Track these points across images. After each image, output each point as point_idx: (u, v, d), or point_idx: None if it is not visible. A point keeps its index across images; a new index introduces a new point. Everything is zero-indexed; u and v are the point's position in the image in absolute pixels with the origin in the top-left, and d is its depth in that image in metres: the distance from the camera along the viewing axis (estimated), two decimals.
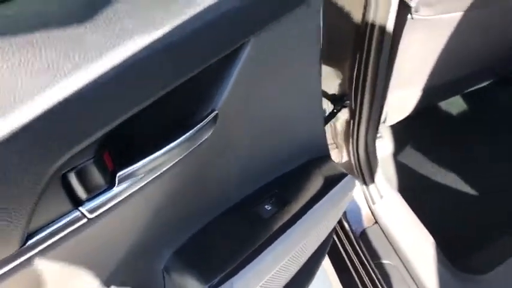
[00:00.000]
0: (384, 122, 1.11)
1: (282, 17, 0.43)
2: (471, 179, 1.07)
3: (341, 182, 0.63)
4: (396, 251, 0.92)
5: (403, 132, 1.20)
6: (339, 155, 1.02)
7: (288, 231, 0.55)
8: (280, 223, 0.55)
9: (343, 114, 0.90)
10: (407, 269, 0.89)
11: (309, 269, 0.80)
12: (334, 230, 0.98)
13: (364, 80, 0.77)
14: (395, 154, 1.18)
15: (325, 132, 0.65)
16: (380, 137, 1.21)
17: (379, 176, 0.97)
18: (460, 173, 1.09)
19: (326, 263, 0.99)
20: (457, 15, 0.81)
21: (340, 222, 0.97)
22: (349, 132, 0.90)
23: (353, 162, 0.95)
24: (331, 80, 0.82)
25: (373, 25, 0.69)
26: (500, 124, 1.18)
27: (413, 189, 1.09)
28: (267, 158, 0.56)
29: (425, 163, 1.14)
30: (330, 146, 1.03)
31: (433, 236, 0.91)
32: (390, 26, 0.70)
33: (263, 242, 0.54)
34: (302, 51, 0.50)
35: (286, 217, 0.56)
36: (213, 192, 0.53)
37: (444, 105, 1.24)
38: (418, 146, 1.18)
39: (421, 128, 1.22)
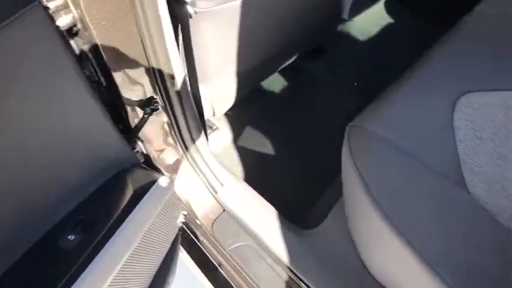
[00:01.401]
0: (213, 115, 1.14)
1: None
2: (299, 153, 1.18)
3: (153, 187, 0.63)
4: (247, 231, 0.97)
5: (237, 119, 1.27)
6: (177, 154, 1.03)
7: (101, 252, 0.53)
8: (88, 249, 0.53)
9: (162, 117, 0.90)
10: (258, 244, 0.94)
11: (166, 268, 0.79)
12: (183, 227, 0.98)
13: (163, 81, 0.77)
14: (234, 141, 1.23)
15: (125, 142, 0.64)
16: (216, 129, 1.26)
17: (214, 165, 1.00)
18: (290, 148, 1.20)
19: (188, 262, 1.00)
20: (238, 3, 0.87)
21: (190, 218, 0.98)
22: (172, 132, 0.90)
23: (186, 158, 0.96)
24: (134, 87, 0.81)
25: (148, 25, 0.69)
26: (314, 93, 1.32)
27: (255, 171, 1.16)
28: (56, 184, 0.52)
29: (262, 144, 1.21)
30: (168, 149, 1.03)
31: (276, 208, 0.98)
32: (167, 24, 0.71)
33: (72, 273, 0.51)
34: (43, 59, 0.46)
35: (95, 240, 0.54)
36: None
37: (266, 84, 1.33)
38: (253, 130, 1.26)
39: (252, 112, 1.29)
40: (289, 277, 0.88)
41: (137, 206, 0.59)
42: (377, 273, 0.74)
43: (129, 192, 0.60)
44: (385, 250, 0.71)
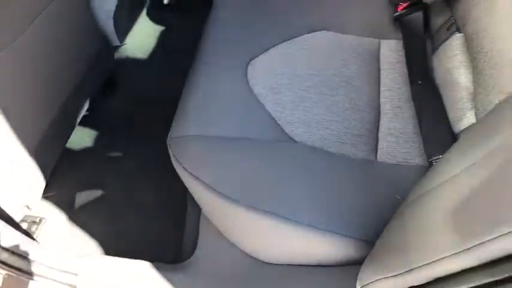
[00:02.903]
0: (30, 209, 0.97)
1: None
2: (144, 190, 1.11)
3: None
4: None
5: (61, 193, 1.11)
6: None
7: None
8: None
9: None
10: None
11: None
12: None
13: None
14: (72, 219, 1.08)
15: None
16: (42, 219, 1.08)
17: (56, 262, 0.84)
18: (132, 190, 1.11)
19: None
20: None
21: None
22: None
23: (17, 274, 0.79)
24: None
25: None
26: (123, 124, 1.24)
27: (110, 232, 1.04)
28: None
29: (102, 202, 1.09)
30: None
31: (148, 258, 0.89)
32: None
33: None
34: None
35: None
36: None
37: (76, 142, 1.20)
38: (84, 193, 1.12)
39: (73, 177, 1.15)
40: None
41: None
42: (269, 258, 0.74)
43: None
44: (261, 232, 0.71)
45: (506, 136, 0.45)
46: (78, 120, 1.14)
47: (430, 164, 0.73)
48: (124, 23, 1.27)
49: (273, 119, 0.79)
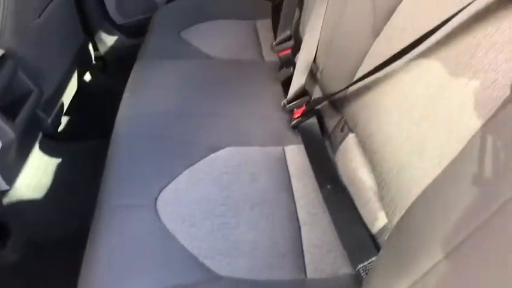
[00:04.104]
0: None
1: None
2: None
3: None
4: None
5: None
6: None
7: None
8: None
9: None
10: None
11: None
12: None
13: None
14: None
15: None
16: None
17: None
18: None
19: None
20: None
21: None
22: None
23: None
24: None
25: None
26: None
27: None
28: None
29: None
30: None
31: None
32: None
33: None
34: None
35: None
36: None
37: None
38: None
39: None
40: None
41: None
42: None
43: None
44: None
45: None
46: None
47: (358, 272, 0.72)
48: (11, 164, 1.15)
49: (192, 256, 0.73)
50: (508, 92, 0.50)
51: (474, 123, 0.53)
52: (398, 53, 0.67)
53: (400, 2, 0.74)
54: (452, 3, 0.59)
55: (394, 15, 0.75)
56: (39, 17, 1.19)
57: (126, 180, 0.87)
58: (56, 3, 1.28)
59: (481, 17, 0.54)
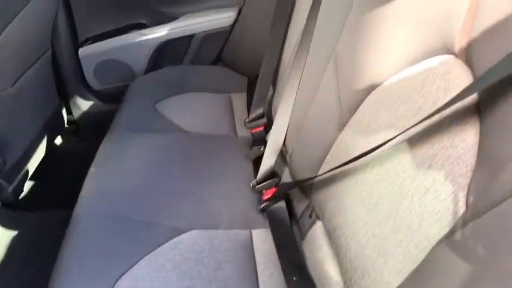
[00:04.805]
0: None
1: None
2: None
3: None
4: None
5: None
6: None
7: None
8: None
9: None
10: None
11: None
12: None
13: None
14: None
15: None
16: None
17: None
18: None
19: None
20: None
21: None
22: None
23: None
24: None
25: None
26: None
27: None
28: None
29: None
30: None
31: None
32: None
33: None
34: None
35: None
36: None
37: None
38: None
39: None
40: None
41: None
42: None
43: None
44: None
45: None
46: None
47: None
48: None
49: None
50: (464, 207, 0.50)
51: (433, 234, 0.53)
52: (363, 151, 0.68)
53: (364, 98, 0.76)
54: (410, 115, 0.61)
55: (358, 110, 0.77)
56: (12, 85, 1.18)
57: (81, 264, 0.82)
58: (33, 70, 1.28)
59: (437, 129, 0.56)
